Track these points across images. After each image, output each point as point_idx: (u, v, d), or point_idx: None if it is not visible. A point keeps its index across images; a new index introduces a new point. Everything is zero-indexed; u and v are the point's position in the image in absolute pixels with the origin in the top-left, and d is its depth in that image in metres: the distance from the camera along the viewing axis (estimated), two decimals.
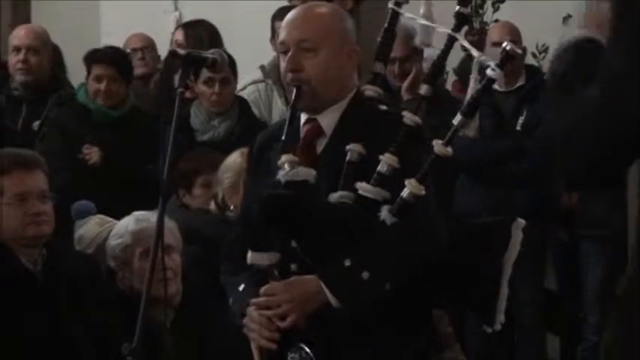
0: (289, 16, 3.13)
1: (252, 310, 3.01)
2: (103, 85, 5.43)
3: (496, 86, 5.62)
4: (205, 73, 5.17)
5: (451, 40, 3.13)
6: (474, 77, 3.09)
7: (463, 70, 6.56)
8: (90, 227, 4.30)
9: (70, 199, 4.48)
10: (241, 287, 3.11)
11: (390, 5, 3.20)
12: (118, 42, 6.45)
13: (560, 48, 5.48)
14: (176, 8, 7.58)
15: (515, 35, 5.65)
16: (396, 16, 3.20)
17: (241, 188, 4.42)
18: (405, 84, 5.44)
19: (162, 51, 6.51)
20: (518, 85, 5.73)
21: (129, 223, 4.06)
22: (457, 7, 3.16)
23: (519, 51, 3.08)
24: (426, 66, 6.08)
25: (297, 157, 3.00)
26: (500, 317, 3.08)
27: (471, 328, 5.26)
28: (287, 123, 3.05)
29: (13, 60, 5.74)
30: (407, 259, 2.99)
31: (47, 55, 5.82)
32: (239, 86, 5.59)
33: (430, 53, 6.26)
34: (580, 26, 6.08)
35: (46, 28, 6.04)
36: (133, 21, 7.10)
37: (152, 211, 3.94)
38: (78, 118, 5.47)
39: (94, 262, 4.02)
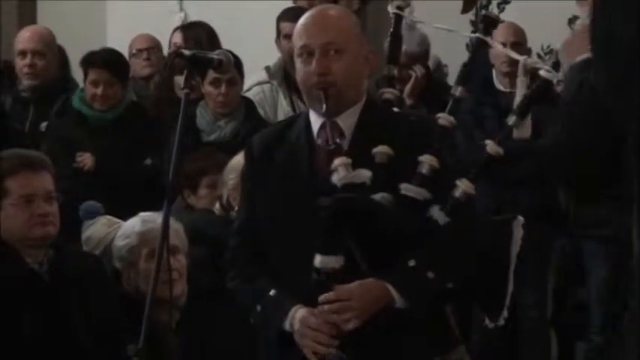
0: (308, 19, 3.11)
1: (307, 315, 2.98)
2: (99, 90, 5.42)
3: (500, 87, 5.62)
4: (212, 74, 5.17)
5: (481, 44, 3.17)
6: (520, 79, 3.12)
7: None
8: (98, 228, 4.30)
9: (78, 200, 4.48)
10: (272, 292, 3.06)
11: (393, 10, 3.22)
12: (124, 42, 6.45)
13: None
14: (181, 9, 7.57)
15: (520, 36, 5.63)
16: (399, 19, 3.22)
17: None
18: (407, 89, 5.46)
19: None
20: None
21: (135, 224, 4.05)
22: (483, 11, 3.20)
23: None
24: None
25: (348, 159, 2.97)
26: (504, 312, 3.10)
27: (475, 329, 5.25)
28: (328, 126, 3.04)
29: (20, 64, 5.75)
30: (466, 258, 3.04)
31: (53, 56, 5.84)
32: (244, 87, 5.58)
33: (435, 58, 6.27)
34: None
35: (51, 28, 6.03)
36: (139, 21, 7.09)
37: (158, 212, 3.92)
38: (74, 125, 5.47)
39: (99, 263, 4.01)
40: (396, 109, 3.20)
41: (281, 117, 5.63)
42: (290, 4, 6.31)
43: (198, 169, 4.78)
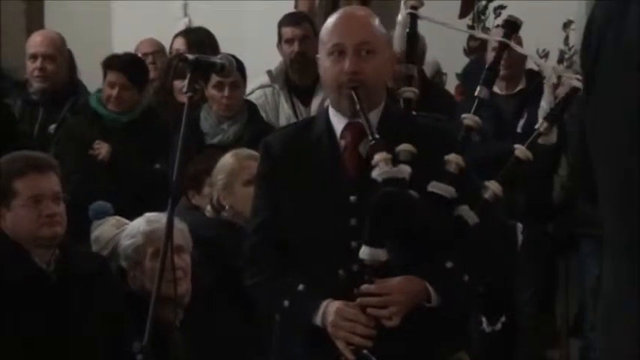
0: (340, 19, 3.09)
1: (344, 307, 2.94)
2: (115, 92, 5.45)
3: (497, 90, 5.62)
4: (215, 78, 5.16)
5: (502, 48, 3.18)
6: (547, 85, 3.12)
7: (466, 76, 6.55)
8: (106, 228, 4.30)
9: (87, 200, 4.49)
10: (301, 287, 3.01)
11: (407, 10, 3.21)
12: (130, 47, 6.46)
13: None
14: (186, 14, 7.58)
15: (516, 39, 5.63)
16: (415, 19, 3.22)
17: (235, 189, 4.40)
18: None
19: None
20: (518, 88, 5.73)
21: (140, 224, 4.05)
22: (506, 15, 3.21)
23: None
24: (427, 71, 6.08)
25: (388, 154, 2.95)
26: (503, 317, 3.10)
27: (472, 331, 5.24)
28: (376, 123, 3.01)
29: (31, 67, 5.79)
30: (496, 262, 3.05)
31: (63, 60, 5.88)
32: (247, 90, 5.58)
33: (431, 59, 6.26)
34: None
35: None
36: (144, 26, 7.10)
37: (163, 212, 3.92)
38: (90, 124, 5.49)
39: (105, 263, 4.02)
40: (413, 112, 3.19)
41: (282, 119, 5.64)
42: (291, 8, 6.32)
43: (202, 170, 4.78)
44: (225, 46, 5.83)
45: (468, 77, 6.52)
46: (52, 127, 5.70)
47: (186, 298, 3.95)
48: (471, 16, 7.28)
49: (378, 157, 2.93)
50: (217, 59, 3.21)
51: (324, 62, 3.06)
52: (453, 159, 2.99)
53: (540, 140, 3.07)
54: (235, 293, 4.07)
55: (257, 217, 3.19)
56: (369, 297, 2.93)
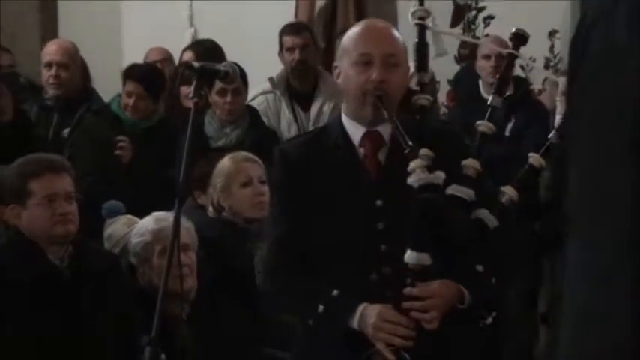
0: (366, 30, 3.04)
1: (386, 309, 2.88)
2: (131, 101, 5.48)
3: (486, 96, 5.64)
4: (218, 84, 5.18)
5: (512, 58, 3.20)
6: (560, 98, 3.15)
7: (458, 82, 6.57)
8: (118, 227, 4.32)
9: (101, 200, 4.52)
10: (335, 292, 2.92)
11: (415, 21, 3.22)
12: (139, 56, 6.49)
13: None
14: (192, 24, 7.59)
15: (504, 48, 5.65)
16: (423, 29, 3.22)
17: (232, 191, 4.42)
18: None
19: None
20: (506, 94, 5.73)
21: (149, 222, 4.07)
22: (514, 29, 3.22)
23: None
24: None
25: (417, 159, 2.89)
26: (493, 312, 3.11)
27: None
28: (398, 132, 2.93)
29: (46, 75, 5.85)
30: (518, 264, 3.10)
31: (77, 68, 5.93)
32: (249, 96, 5.60)
33: (429, 72, 6.26)
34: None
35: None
36: (153, 35, 7.12)
37: (171, 211, 3.94)
38: (110, 127, 5.51)
39: (116, 260, 4.04)
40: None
41: (283, 124, 5.66)
42: (292, 17, 6.34)
43: (207, 172, 4.79)
44: (230, 55, 5.85)
45: (458, 83, 6.55)
46: (66, 131, 5.74)
47: (192, 293, 3.96)
48: (461, 25, 7.31)
49: (413, 164, 2.87)
50: (221, 67, 3.23)
51: (348, 71, 3.00)
52: (471, 164, 2.98)
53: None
54: (235, 293, 4.10)
55: (277, 226, 3.08)
56: (411, 300, 2.89)
